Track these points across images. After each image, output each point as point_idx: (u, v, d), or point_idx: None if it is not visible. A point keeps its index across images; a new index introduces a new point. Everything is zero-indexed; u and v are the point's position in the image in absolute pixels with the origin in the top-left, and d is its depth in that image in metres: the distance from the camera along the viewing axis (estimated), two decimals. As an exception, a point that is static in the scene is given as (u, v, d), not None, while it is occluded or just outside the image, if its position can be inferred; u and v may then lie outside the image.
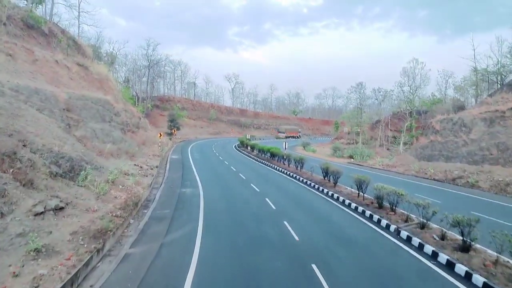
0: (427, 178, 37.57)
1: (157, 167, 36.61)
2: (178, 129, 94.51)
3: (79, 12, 70.23)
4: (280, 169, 39.52)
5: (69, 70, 47.11)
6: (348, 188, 27.16)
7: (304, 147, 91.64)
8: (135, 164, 34.24)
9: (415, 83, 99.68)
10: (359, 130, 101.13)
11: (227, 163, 44.84)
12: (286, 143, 42.68)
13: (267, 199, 24.21)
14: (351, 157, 67.28)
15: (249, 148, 64.51)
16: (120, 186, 24.25)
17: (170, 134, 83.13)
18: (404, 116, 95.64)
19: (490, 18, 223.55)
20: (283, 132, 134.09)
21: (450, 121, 42.66)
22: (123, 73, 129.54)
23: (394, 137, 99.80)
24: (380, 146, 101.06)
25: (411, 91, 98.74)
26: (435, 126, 44.13)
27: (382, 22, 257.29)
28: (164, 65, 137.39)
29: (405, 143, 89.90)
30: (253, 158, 52.84)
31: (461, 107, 70.69)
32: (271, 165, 43.59)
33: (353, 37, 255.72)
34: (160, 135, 55.09)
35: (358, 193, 24.03)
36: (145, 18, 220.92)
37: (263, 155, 52.91)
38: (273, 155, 46.93)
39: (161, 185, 28.70)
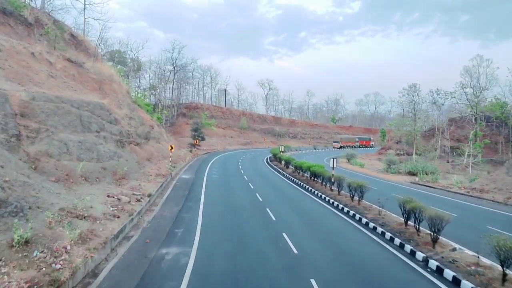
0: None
1: (150, 196, 25.23)
2: (202, 139, 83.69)
3: (84, 5, 60.76)
4: (327, 198, 27.17)
5: (50, 66, 36.92)
6: (464, 250, 14.69)
7: (348, 159, 78.46)
8: (109, 196, 22.90)
9: (479, 83, 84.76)
10: (412, 139, 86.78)
11: (252, 186, 32.97)
12: (335, 160, 30.23)
13: (312, 280, 12.06)
14: (411, 173, 53.90)
15: (283, 163, 52.51)
16: (36, 254, 12.69)
17: (193, 146, 72.27)
18: (470, 122, 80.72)
19: None
20: (338, 142, 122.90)
21: None
22: (148, 79, 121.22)
23: (456, 148, 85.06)
24: (438, 158, 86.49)
25: (475, 93, 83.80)
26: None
27: (421, 27, 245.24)
28: (192, 70, 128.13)
29: (469, 155, 75.03)
30: (288, 178, 40.72)
31: None
32: (312, 190, 31.35)
33: (391, 43, 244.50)
34: (172, 147, 43.96)
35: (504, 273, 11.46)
36: (182, 30, 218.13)
37: (301, 173, 40.72)
38: (315, 175, 34.64)
39: (131, 238, 17.14)
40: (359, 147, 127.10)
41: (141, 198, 24.32)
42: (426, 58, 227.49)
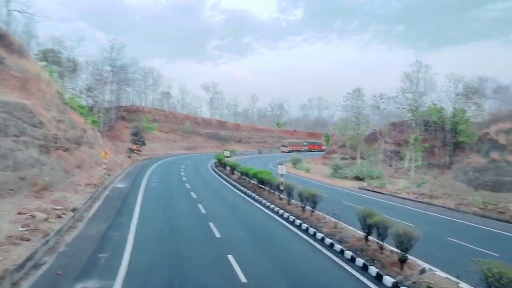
0: (508, 221, 23.65)
1: (75, 210, 21.63)
2: (143, 144, 79.15)
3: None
4: (276, 208, 24.92)
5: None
6: (435, 270, 12.93)
7: (294, 164, 77.36)
8: (21, 213, 19.21)
9: (418, 89, 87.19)
10: (356, 143, 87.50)
11: (194, 196, 30.07)
12: (284, 167, 28.09)
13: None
14: (358, 178, 53.31)
15: (228, 168, 49.94)
16: None
17: (132, 151, 67.78)
18: (410, 127, 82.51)
19: (463, 33, 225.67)
20: (286, 146, 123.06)
21: (525, 132, 29.12)
22: (85, 80, 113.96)
23: (397, 152, 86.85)
24: (381, 162, 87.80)
25: (415, 98, 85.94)
26: (498, 139, 30.48)
27: (361, 35, 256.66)
28: (133, 72, 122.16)
29: (411, 159, 76.46)
30: (233, 186, 38.19)
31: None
32: (260, 198, 29.02)
33: (332, 50, 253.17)
34: (106, 153, 39.95)
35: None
36: (125, 32, 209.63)
37: (247, 179, 38.35)
38: (262, 182, 32.35)
39: (41, 267, 13.79)
40: (310, 151, 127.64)
41: (63, 213, 20.70)
42: (366, 64, 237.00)
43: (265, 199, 28.28)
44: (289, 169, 72.30)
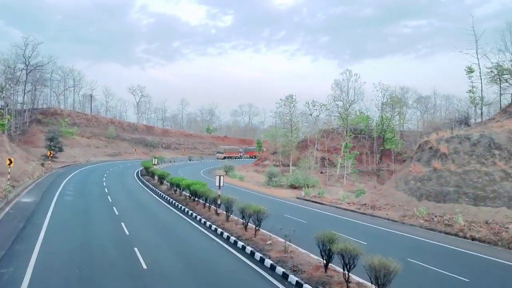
0: (457, 235, 22.54)
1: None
2: (60, 150, 71.87)
3: None
4: (214, 226, 21.72)
5: None
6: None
7: (226, 171, 74.26)
8: None
9: (348, 97, 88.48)
10: (288, 150, 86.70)
11: (117, 212, 25.93)
12: (221, 178, 24.92)
13: None
14: (293, 187, 51.58)
15: (156, 178, 45.77)
16: None
17: (47, 158, 60.73)
18: (341, 134, 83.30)
19: (381, 46, 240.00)
20: (222, 152, 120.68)
21: (467, 140, 28.56)
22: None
23: (327, 159, 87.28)
24: (313, 169, 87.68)
25: (345, 106, 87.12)
26: (439, 148, 29.79)
27: (287, 45, 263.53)
28: (51, 71, 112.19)
29: (343, 166, 76.86)
30: (162, 198, 34.34)
31: (464, 122, 58.68)
32: (193, 214, 25.65)
33: (260, 58, 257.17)
34: (11, 161, 34.15)
35: None
36: (45, 31, 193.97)
37: (178, 191, 34.69)
38: (196, 194, 28.93)
39: None
40: (250, 158, 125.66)
41: None
42: (293, 73, 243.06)
43: (199, 215, 24.95)
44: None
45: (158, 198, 34.16)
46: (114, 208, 27.03)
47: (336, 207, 34.06)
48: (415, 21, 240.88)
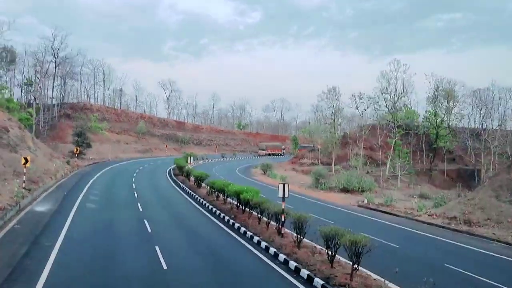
0: None
1: None
2: (88, 146, 67.50)
3: None
4: (282, 255, 15.60)
5: None
6: None
7: (264, 171, 68.42)
8: None
9: (396, 89, 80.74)
10: (331, 147, 79.93)
11: (149, 228, 20.15)
12: (285, 187, 18.61)
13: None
14: (345, 190, 45.13)
15: (192, 179, 40.34)
16: None
17: (74, 154, 56.30)
18: (391, 131, 75.81)
19: (412, 41, 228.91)
20: (264, 149, 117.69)
21: None
22: (24, 73, 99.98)
23: (369, 157, 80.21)
24: (352, 168, 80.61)
25: (392, 99, 79.53)
26: None
27: (316, 40, 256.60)
28: (80, 64, 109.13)
29: (394, 167, 69.56)
30: (201, 205, 28.59)
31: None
32: (246, 232, 19.66)
33: (288, 54, 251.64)
34: (26, 160, 29.14)
35: None
36: (78, 30, 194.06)
37: (220, 196, 28.90)
38: (247, 204, 22.92)
39: None
40: (268, 155, 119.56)
41: None
42: (321, 69, 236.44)
43: (256, 234, 18.95)
44: (259, 176, 63.49)
45: (197, 206, 28.40)
46: (145, 222, 21.35)
47: (415, 219, 27.52)
48: (448, 14, 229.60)
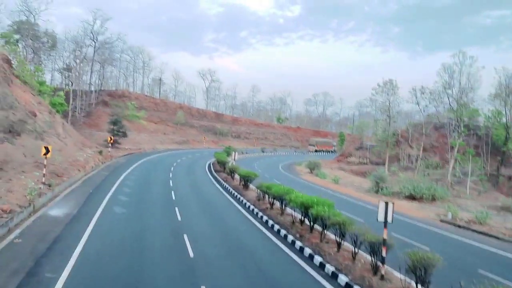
0: None
1: None
2: (124, 135, 63.76)
3: None
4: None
5: None
6: None
7: (311, 169, 62.46)
8: None
9: (460, 84, 72.39)
10: (385, 145, 72.85)
11: (189, 247, 14.94)
12: (388, 208, 12.82)
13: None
14: (412, 197, 38.66)
15: (236, 178, 35.23)
16: None
17: (109, 144, 52.33)
18: (452, 129, 67.87)
19: (457, 38, 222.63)
20: (314, 145, 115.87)
21: None
22: (64, 58, 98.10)
23: (423, 158, 72.79)
24: (405, 170, 73.40)
25: (457, 95, 71.36)
26: None
27: (356, 36, 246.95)
28: (120, 51, 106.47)
29: (464, 171, 61.77)
30: (251, 213, 23.13)
31: None
32: (324, 264, 14.02)
33: (328, 49, 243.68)
34: (47, 150, 24.56)
35: None
36: (121, 19, 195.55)
37: (275, 203, 23.41)
38: (316, 220, 17.24)
39: None
40: (317, 151, 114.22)
41: None
42: (360, 65, 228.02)
43: (340, 270, 13.29)
44: (306, 176, 57.55)
45: (247, 214, 22.92)
46: (185, 239, 16.11)
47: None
48: (498, 11, 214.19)
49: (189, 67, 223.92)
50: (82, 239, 14.88)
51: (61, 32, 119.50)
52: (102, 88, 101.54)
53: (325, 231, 16.75)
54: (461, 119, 66.06)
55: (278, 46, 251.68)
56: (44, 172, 24.46)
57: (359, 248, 14.18)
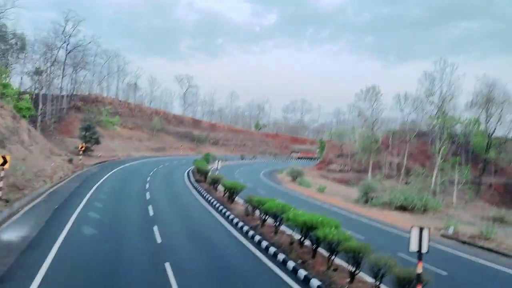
0: None
1: None
2: (96, 142, 60.14)
3: None
4: None
5: None
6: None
7: (293, 177, 60.27)
8: None
9: (441, 92, 72.10)
10: (368, 153, 71.51)
11: (174, 281, 12.24)
12: (423, 235, 10.51)
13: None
14: (403, 208, 36.84)
15: (219, 189, 32.65)
16: None
17: (81, 151, 48.71)
18: (437, 137, 67.01)
19: (429, 47, 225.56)
20: (297, 152, 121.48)
21: None
22: (34, 62, 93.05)
23: (402, 166, 72.02)
24: (388, 178, 72.46)
25: (439, 102, 70.97)
26: None
27: (331, 44, 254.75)
28: (94, 54, 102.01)
29: (449, 179, 60.77)
30: (242, 233, 20.43)
31: None
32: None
33: (303, 57, 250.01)
34: (4, 161, 21.34)
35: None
36: (96, 25, 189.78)
37: (268, 220, 20.91)
38: (322, 241, 14.75)
39: None
40: (299, 158, 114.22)
41: None
42: (336, 73, 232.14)
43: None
44: (288, 184, 55.13)
45: (236, 233, 20.22)
46: (167, 267, 13.35)
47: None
48: (466, 22, 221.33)
49: (166, 73, 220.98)
50: (37, 277, 11.82)
51: (31, 34, 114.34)
52: (75, 93, 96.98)
53: (333, 255, 14.30)
54: (443, 126, 65.38)
55: (254, 53, 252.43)
56: (0, 185, 21.25)
57: (380, 282, 11.78)
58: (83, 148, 47.79)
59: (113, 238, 17.19)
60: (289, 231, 19.25)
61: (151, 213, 23.30)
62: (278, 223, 19.27)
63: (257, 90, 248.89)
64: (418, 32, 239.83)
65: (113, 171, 44.35)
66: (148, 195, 29.80)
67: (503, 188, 72.08)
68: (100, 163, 52.47)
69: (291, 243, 17.39)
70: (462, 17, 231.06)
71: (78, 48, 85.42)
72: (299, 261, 15.16)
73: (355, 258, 12.62)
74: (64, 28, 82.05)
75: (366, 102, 68.03)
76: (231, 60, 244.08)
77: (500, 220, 35.94)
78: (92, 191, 29.34)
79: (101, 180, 35.82)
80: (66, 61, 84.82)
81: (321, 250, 15.59)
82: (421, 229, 10.36)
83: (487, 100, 69.46)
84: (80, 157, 46.82)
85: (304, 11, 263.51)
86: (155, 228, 19.17)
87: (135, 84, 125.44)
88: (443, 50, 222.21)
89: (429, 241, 10.43)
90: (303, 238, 16.72)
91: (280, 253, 16.19)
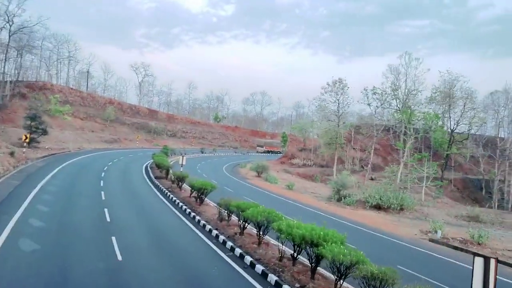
0: None
1: None
2: (43, 132, 54.75)
3: None
4: None
5: None
6: None
7: (258, 173, 57.63)
8: None
9: (406, 86, 71.84)
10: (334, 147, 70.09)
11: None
12: (491, 267, 8.10)
13: None
14: (378, 207, 35.13)
15: (184, 188, 29.38)
16: None
17: (25, 143, 43.57)
18: (402, 132, 66.61)
19: (381, 44, 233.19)
20: (262, 146, 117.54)
21: None
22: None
23: (363, 160, 71.24)
24: (352, 173, 71.15)
25: (403, 97, 70.67)
26: None
27: (288, 38, 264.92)
28: (42, 38, 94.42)
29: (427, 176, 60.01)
30: (218, 246, 17.45)
31: None
32: None
33: (261, 49, 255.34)
34: None
35: None
36: (44, 10, 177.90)
37: (247, 227, 18.05)
38: (338, 269, 12.09)
39: None
40: (265, 152, 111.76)
41: None
42: (293, 66, 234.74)
43: None
44: (255, 180, 52.27)
45: (211, 244, 17.21)
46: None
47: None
48: (417, 21, 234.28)
49: (120, 62, 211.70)
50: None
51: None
52: (20, 79, 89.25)
53: (341, 279, 11.66)
54: (409, 121, 64.93)
55: (211, 44, 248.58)
56: None
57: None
58: (27, 140, 42.70)
59: (61, 256, 13.68)
60: (273, 241, 16.60)
61: (108, 218, 19.73)
62: (262, 233, 16.42)
63: (216, 82, 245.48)
64: (372, 29, 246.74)
65: (62, 166, 39.80)
66: (103, 195, 26.01)
67: (461, 184, 73.20)
68: (47, 156, 47.43)
69: (281, 258, 14.62)
70: (413, 16, 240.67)
71: (23, 30, 77.94)
72: (297, 285, 12.42)
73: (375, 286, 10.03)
74: (8, 7, 74.54)
75: (332, 95, 65.89)
76: (188, 51, 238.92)
77: (475, 219, 35.06)
78: (36, 190, 25.16)
79: (48, 177, 31.44)
80: (10, 43, 77.28)
81: (320, 268, 12.95)
82: (487, 261, 7.81)
83: (445, 95, 69.82)
84: (24, 149, 41.78)
85: (261, 3, 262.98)
86: (114, 240, 15.80)
87: (88, 71, 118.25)
88: (394, 47, 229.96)
89: (496, 275, 7.86)
90: (296, 254, 13.95)
91: (269, 273, 13.36)
